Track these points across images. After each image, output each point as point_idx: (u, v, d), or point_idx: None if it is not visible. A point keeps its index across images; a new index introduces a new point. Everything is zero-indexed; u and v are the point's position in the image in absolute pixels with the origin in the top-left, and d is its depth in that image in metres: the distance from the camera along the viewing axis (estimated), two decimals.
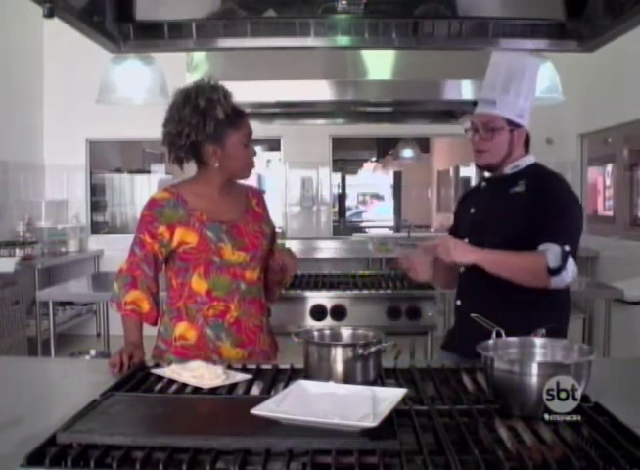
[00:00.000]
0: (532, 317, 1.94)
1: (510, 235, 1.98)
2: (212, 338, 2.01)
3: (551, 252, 1.87)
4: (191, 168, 2.14)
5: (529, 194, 2.01)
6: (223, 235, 2.01)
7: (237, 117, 2.02)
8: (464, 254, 1.89)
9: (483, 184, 2.23)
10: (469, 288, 2.12)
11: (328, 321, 3.36)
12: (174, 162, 2.06)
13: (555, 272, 1.87)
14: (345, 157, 10.89)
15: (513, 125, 2.03)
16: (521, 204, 2.01)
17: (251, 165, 2.10)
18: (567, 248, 1.88)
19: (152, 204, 2.04)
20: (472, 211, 2.16)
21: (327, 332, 1.68)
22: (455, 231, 2.25)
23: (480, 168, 2.19)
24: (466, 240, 2.06)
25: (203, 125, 1.95)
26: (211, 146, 1.99)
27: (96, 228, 6.90)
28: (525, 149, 2.11)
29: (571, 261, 1.88)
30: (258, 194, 2.24)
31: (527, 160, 2.10)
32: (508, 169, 2.10)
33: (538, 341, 1.53)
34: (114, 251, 6.31)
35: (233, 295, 2.02)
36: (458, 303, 2.14)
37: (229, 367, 1.72)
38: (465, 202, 2.30)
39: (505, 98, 2.02)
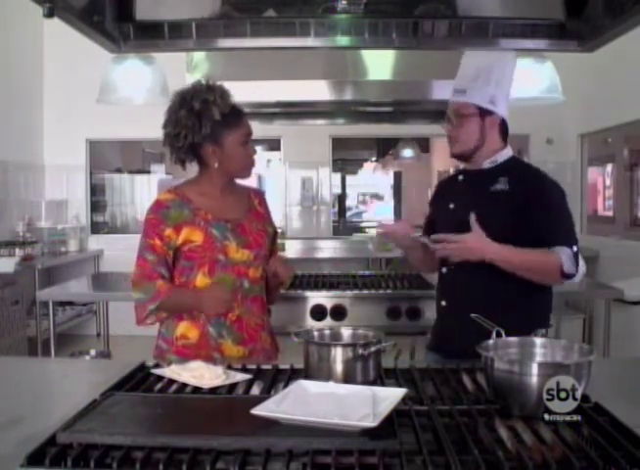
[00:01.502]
0: (518, 318, 1.95)
1: (495, 235, 1.94)
2: (214, 336, 2.01)
3: (565, 255, 1.90)
4: (192, 168, 2.15)
5: (514, 192, 2.00)
6: (228, 233, 2.02)
7: (234, 116, 2.02)
8: (482, 252, 1.89)
9: (460, 177, 2.18)
10: (453, 289, 2.11)
11: (328, 321, 3.36)
12: (176, 162, 2.07)
13: (569, 277, 1.91)
14: (345, 157, 10.89)
15: (484, 112, 2.04)
16: (505, 202, 1.99)
17: (250, 165, 2.10)
18: (575, 249, 1.92)
19: (157, 206, 2.03)
20: (451, 206, 2.12)
21: (327, 332, 1.68)
22: (431, 223, 2.22)
23: (455, 158, 2.15)
24: None
25: (199, 127, 1.96)
26: (210, 147, 2.00)
27: (96, 228, 6.90)
28: (503, 140, 2.10)
29: (580, 261, 1.93)
30: (260, 195, 2.24)
31: (505, 154, 2.09)
32: (486, 163, 2.08)
33: (538, 341, 1.53)
34: (114, 251, 6.32)
35: (236, 293, 2.02)
36: (443, 303, 2.13)
37: (229, 367, 1.72)
38: (442, 194, 2.26)
39: (474, 85, 2.04)
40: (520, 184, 2.01)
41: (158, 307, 1.98)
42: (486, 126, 2.05)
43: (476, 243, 1.90)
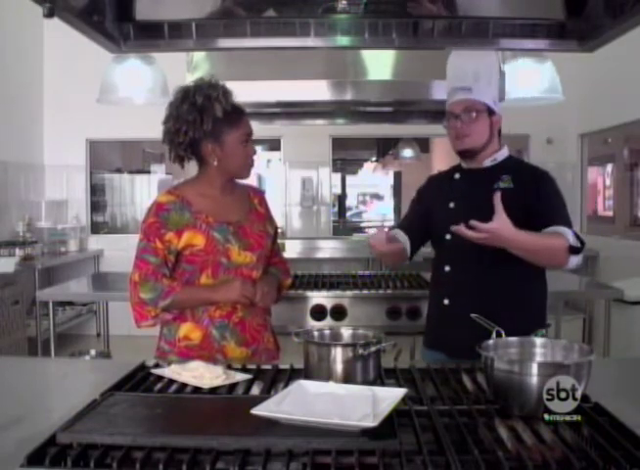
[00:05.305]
0: (522, 317, 1.95)
1: None
2: (217, 338, 2.01)
3: (568, 233, 1.90)
4: (191, 169, 2.14)
5: (519, 190, 2.01)
6: (230, 236, 2.01)
7: (236, 115, 2.01)
8: (507, 240, 1.85)
9: (457, 176, 2.18)
10: (456, 288, 2.11)
11: (328, 321, 3.36)
12: (175, 160, 2.05)
13: (576, 251, 1.89)
14: (345, 157, 10.89)
15: (491, 111, 2.08)
16: (511, 200, 1.97)
17: (250, 165, 2.09)
18: (573, 230, 1.93)
19: (158, 208, 2.00)
20: (451, 205, 2.11)
21: (327, 332, 1.68)
22: (412, 221, 2.22)
23: (461, 155, 2.15)
24: (448, 237, 2.05)
25: (200, 122, 1.95)
26: (210, 144, 1.99)
27: (96, 228, 6.90)
28: (499, 141, 2.14)
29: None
30: (259, 194, 2.23)
31: (503, 153, 2.14)
32: (487, 162, 2.11)
33: (538, 341, 1.53)
34: (114, 251, 6.32)
35: None
36: (445, 302, 2.12)
37: (229, 367, 1.72)
38: (435, 192, 2.23)
39: (478, 85, 2.07)
40: (523, 182, 2.04)
41: (170, 304, 1.96)
42: (493, 125, 2.10)
43: (506, 231, 1.82)
